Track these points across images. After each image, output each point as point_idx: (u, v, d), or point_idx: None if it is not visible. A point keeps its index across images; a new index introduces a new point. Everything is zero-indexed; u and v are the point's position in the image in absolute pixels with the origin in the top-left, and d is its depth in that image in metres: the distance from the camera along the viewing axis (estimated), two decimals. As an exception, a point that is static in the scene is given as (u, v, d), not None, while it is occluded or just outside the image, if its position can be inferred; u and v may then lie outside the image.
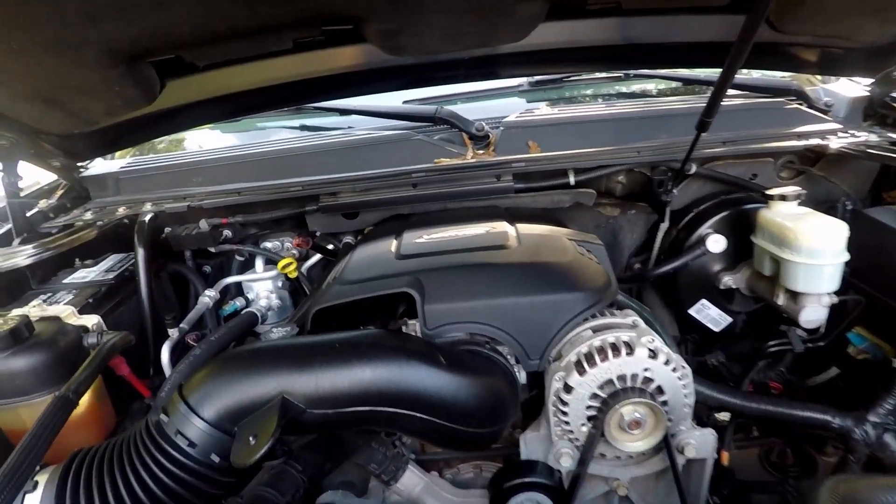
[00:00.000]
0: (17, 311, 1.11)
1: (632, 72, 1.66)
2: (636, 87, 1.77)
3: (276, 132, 1.72)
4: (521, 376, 0.96)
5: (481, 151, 1.42)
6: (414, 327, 0.94)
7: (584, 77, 1.71)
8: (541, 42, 1.23)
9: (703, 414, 1.46)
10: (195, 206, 1.43)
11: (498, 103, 1.71)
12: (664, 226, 1.50)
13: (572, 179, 1.41)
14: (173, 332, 1.30)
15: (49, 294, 1.28)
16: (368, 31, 1.13)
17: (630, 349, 0.85)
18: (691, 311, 1.48)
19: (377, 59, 1.29)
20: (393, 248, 1.11)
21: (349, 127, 1.63)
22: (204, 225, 1.49)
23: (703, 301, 1.47)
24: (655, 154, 1.37)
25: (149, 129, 1.48)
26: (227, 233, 1.54)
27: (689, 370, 0.88)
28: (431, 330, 0.88)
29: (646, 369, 0.85)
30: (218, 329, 1.33)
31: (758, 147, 1.39)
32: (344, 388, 0.76)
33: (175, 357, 1.26)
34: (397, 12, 1.05)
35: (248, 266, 1.65)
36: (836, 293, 1.23)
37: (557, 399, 0.88)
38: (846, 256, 1.13)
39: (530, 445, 0.96)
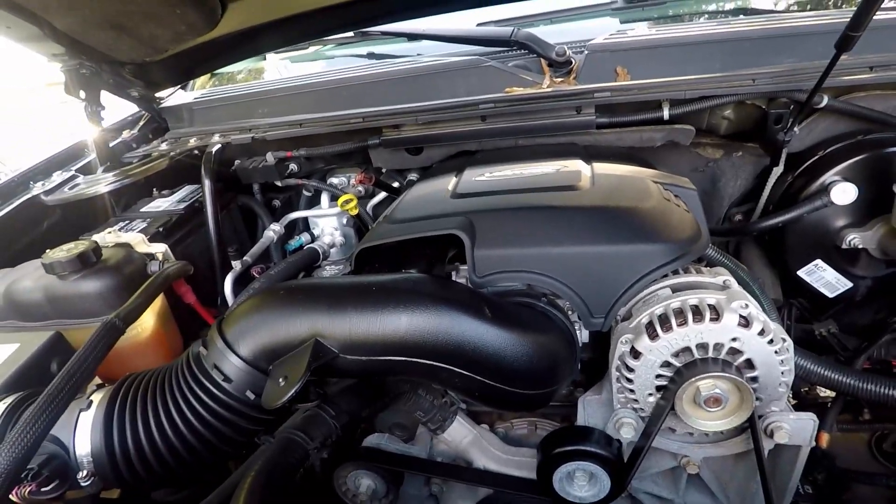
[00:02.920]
0: (95, 238, 1.17)
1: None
2: (758, 1, 1.46)
3: (344, 62, 1.64)
4: (583, 335, 0.85)
5: (560, 80, 1.25)
6: (465, 274, 0.85)
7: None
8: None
9: (801, 387, 1.29)
10: (259, 137, 1.41)
11: (586, 24, 1.49)
12: (777, 171, 1.26)
13: (667, 113, 1.20)
14: (236, 264, 1.31)
15: (127, 221, 1.34)
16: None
17: (716, 314, 0.71)
18: (801, 273, 1.26)
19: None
20: (450, 187, 1.01)
21: (418, 54, 1.50)
22: (270, 158, 1.47)
23: (818, 261, 1.25)
24: (776, 82, 1.13)
25: (217, 56, 1.46)
26: (292, 166, 1.52)
27: (790, 343, 0.72)
28: (481, 278, 0.79)
29: (734, 339, 0.71)
30: (278, 263, 1.33)
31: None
32: (378, 336, 0.70)
33: (238, 288, 1.28)
34: None
35: (316, 201, 1.63)
36: None
37: (622, 364, 0.77)
38: None
39: (589, 409, 0.87)
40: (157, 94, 1.65)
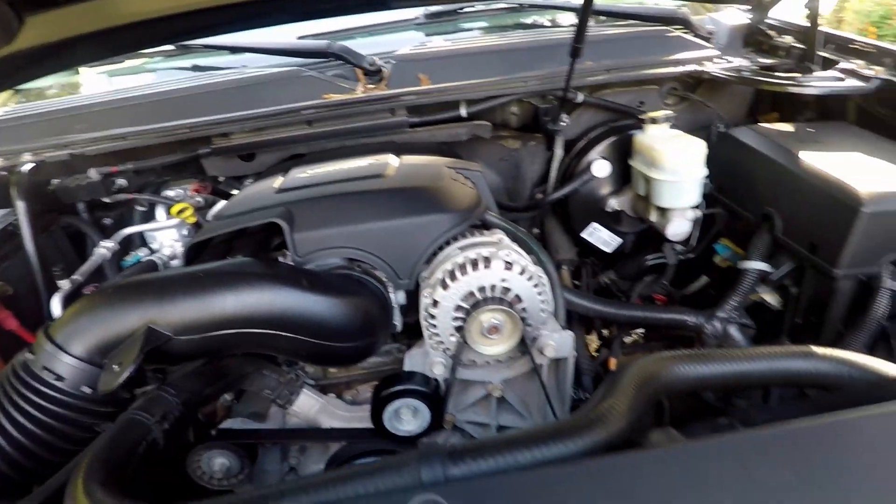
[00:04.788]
0: None
1: (526, 1, 1.67)
2: (531, 18, 1.78)
3: (167, 74, 1.65)
4: (399, 297, 1.02)
5: (372, 86, 1.42)
6: (291, 258, 0.97)
7: (480, 9, 1.70)
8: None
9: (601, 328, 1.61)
10: (78, 153, 1.38)
11: (395, 38, 1.69)
12: (558, 154, 1.56)
13: (464, 111, 1.43)
14: (65, 283, 1.28)
15: (-75, 253, 1.23)
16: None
17: (487, 263, 0.92)
18: (583, 234, 1.57)
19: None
20: (276, 185, 1.12)
21: (242, 66, 1.58)
22: (94, 174, 1.44)
23: (594, 224, 1.57)
24: (542, 83, 1.41)
25: (19, 71, 1.39)
26: (120, 182, 1.50)
27: (545, 279, 0.96)
28: (301, 258, 0.92)
29: (503, 280, 0.92)
30: (113, 279, 1.32)
31: (638, 74, 1.45)
32: (208, 314, 0.79)
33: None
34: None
35: (152, 216, 1.61)
36: (704, 208, 1.35)
37: (427, 314, 0.95)
38: (704, 172, 1.23)
39: (412, 360, 1.04)
40: (-52, 115, 1.51)
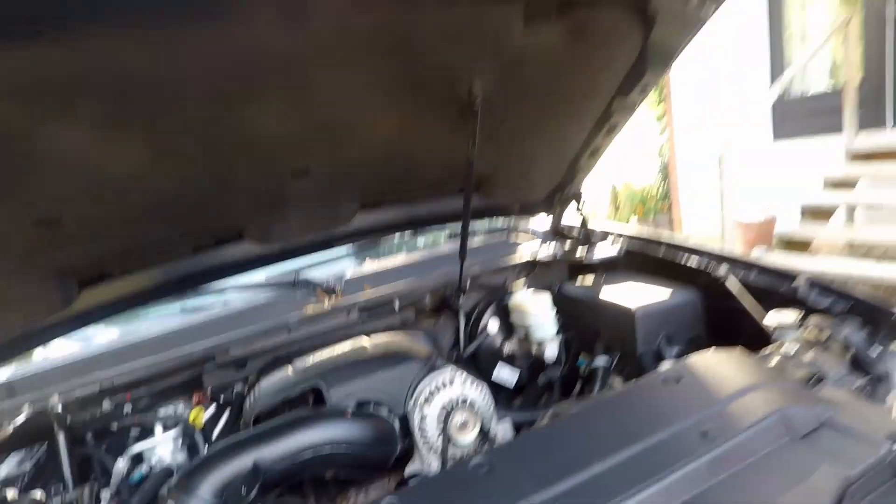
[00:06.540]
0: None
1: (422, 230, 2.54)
2: (430, 239, 2.67)
3: (159, 315, 2.12)
4: (396, 424, 1.53)
5: (332, 298, 2.05)
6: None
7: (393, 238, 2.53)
8: (363, 224, 2.02)
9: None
10: (106, 388, 1.73)
11: (339, 264, 2.41)
12: (462, 323, 2.27)
13: (397, 306, 2.11)
14: (105, 497, 1.53)
15: (-25, 495, 1.43)
16: (248, 232, 1.75)
17: (451, 383, 1.51)
18: (493, 377, 2.22)
19: (252, 251, 1.89)
20: (290, 372, 1.63)
21: (224, 301, 2.12)
22: (107, 405, 1.77)
23: (499, 365, 2.23)
24: (444, 280, 2.18)
25: (56, 331, 1.78)
26: (128, 408, 1.83)
27: (486, 389, 1.57)
28: (335, 405, 1.42)
29: (462, 392, 1.51)
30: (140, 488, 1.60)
31: (498, 264, 2.30)
32: (296, 445, 1.25)
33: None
34: (271, 218, 1.71)
35: (142, 435, 1.90)
36: (562, 336, 2.10)
37: (419, 427, 1.48)
38: (553, 312, 2.01)
39: (412, 468, 1.51)
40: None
